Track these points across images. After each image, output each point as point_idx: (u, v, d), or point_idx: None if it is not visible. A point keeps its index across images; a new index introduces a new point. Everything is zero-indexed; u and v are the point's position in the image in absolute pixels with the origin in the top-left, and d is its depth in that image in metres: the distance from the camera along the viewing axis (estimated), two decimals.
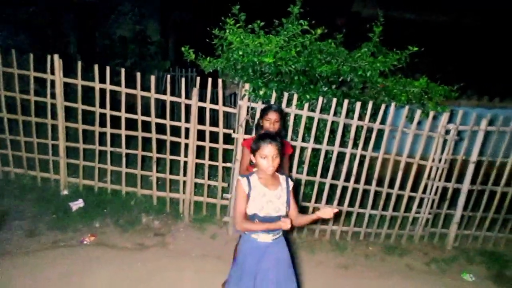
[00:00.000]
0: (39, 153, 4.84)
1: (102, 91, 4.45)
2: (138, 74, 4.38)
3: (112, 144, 4.68)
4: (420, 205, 4.57)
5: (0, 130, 4.86)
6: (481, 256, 4.55)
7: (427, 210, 4.54)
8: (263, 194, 2.38)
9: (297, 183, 4.21)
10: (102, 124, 4.61)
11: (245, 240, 2.50)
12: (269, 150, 2.30)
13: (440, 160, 4.35)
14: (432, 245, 4.68)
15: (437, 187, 4.45)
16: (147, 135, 4.56)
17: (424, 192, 4.48)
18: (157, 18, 9.44)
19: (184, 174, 4.61)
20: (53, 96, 4.53)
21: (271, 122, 3.15)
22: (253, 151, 2.38)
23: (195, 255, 4.08)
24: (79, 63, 4.43)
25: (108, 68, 4.35)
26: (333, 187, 4.41)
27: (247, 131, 4.16)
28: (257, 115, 3.89)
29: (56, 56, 4.40)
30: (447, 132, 4.27)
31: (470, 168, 4.38)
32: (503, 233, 4.79)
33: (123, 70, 4.33)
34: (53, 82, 4.51)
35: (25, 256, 3.84)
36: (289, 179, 2.54)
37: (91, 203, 4.67)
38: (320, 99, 4.00)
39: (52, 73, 4.46)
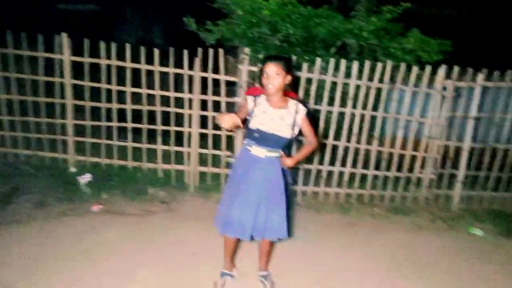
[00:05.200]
0: (47, 133, 4.96)
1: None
2: (142, 48, 4.55)
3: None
4: (423, 166, 4.60)
5: (10, 112, 5.01)
6: (488, 214, 4.54)
7: (431, 170, 4.57)
8: (265, 111, 2.48)
9: (298, 144, 4.27)
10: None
11: (240, 152, 2.63)
12: (268, 69, 2.38)
13: (439, 118, 4.42)
14: (437, 206, 4.69)
15: (439, 146, 4.49)
16: (152, 108, 4.69)
17: (426, 151, 4.52)
18: (161, 24, 9.79)
19: (189, 146, 4.71)
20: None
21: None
22: (261, 73, 2.46)
23: (201, 217, 4.11)
24: (86, 41, 4.61)
25: (114, 45, 4.54)
26: (335, 150, 4.47)
27: None
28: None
29: (64, 35, 4.60)
30: (445, 88, 4.35)
31: (470, 125, 4.43)
32: (510, 192, 4.77)
33: (128, 46, 4.52)
34: (61, 62, 4.69)
35: (34, 223, 3.89)
36: (301, 105, 2.55)
37: (99, 177, 4.75)
38: (318, 60, 4.12)
39: (61, 53, 4.66)
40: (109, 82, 4.65)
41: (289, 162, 2.58)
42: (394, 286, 3.05)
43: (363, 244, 3.71)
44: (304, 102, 2.65)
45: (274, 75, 2.38)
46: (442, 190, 4.71)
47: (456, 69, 4.31)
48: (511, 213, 4.63)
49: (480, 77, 4.31)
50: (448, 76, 4.36)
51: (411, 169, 4.63)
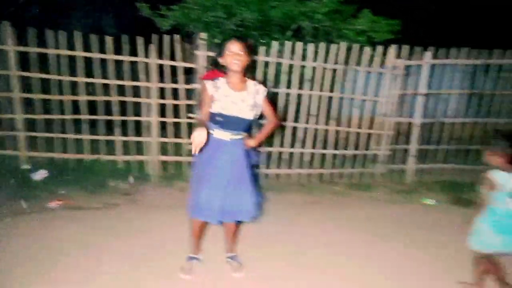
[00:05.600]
0: None
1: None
2: (93, 36, 4.38)
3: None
4: (378, 143, 4.81)
5: None
6: (439, 185, 4.86)
7: (385, 146, 4.79)
8: (226, 95, 2.48)
9: (259, 128, 4.31)
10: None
11: None
12: (233, 46, 2.42)
13: (391, 96, 4.62)
14: (393, 180, 4.95)
15: (392, 123, 4.72)
16: (108, 98, 4.55)
17: (380, 128, 4.74)
18: (112, 11, 9.42)
19: (149, 135, 4.63)
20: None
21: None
22: (222, 54, 2.46)
23: (164, 207, 4.08)
24: (31, 30, 4.37)
25: (62, 33, 4.33)
26: (295, 132, 4.58)
27: None
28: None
29: (6, 24, 4.32)
30: (395, 67, 4.55)
31: (420, 100, 4.68)
32: (458, 163, 5.11)
33: (78, 34, 4.33)
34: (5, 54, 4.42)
35: None
36: (261, 85, 2.61)
37: (54, 173, 4.56)
38: (274, 43, 4.16)
39: (3, 43, 4.38)
40: (59, 73, 4.45)
41: (251, 142, 2.63)
42: (355, 255, 3.20)
43: (325, 220, 3.85)
44: (262, 84, 2.69)
45: (239, 52, 2.42)
46: (397, 165, 4.97)
47: (405, 48, 4.51)
48: (460, 182, 4.96)
49: (427, 55, 4.54)
50: (398, 55, 4.56)
51: (367, 147, 4.84)
